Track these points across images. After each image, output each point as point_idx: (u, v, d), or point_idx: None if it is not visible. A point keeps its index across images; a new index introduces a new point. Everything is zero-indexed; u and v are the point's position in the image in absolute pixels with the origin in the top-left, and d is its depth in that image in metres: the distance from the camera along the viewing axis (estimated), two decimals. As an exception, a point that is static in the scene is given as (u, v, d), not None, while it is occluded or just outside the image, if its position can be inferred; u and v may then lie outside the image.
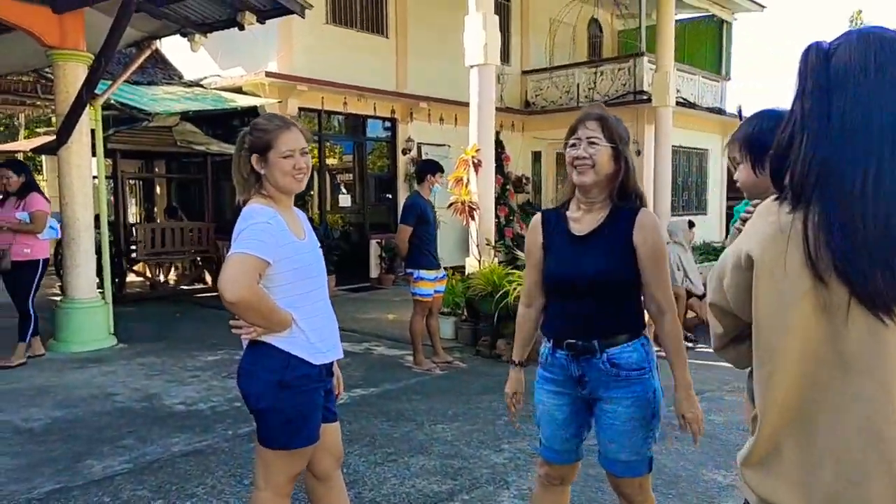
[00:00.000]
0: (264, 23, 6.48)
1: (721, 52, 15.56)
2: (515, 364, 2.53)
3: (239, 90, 9.81)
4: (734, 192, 15.50)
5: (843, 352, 1.16)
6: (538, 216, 2.43)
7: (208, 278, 11.11)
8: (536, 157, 14.40)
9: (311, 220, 2.70)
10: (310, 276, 2.35)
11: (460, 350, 6.97)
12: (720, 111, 14.76)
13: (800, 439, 1.20)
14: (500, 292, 6.64)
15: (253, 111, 9.90)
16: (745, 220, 1.42)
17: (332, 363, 2.45)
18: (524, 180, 13.92)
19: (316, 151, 10.93)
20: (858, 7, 15.34)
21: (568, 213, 2.33)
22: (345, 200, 11.50)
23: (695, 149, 15.02)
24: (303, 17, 6.41)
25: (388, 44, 11.78)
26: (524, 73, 14.19)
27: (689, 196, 15.32)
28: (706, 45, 15.39)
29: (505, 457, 4.09)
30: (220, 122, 10.96)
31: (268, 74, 9.52)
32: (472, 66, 7.68)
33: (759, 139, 1.54)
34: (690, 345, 7.48)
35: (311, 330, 2.31)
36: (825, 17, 66.12)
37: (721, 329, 1.40)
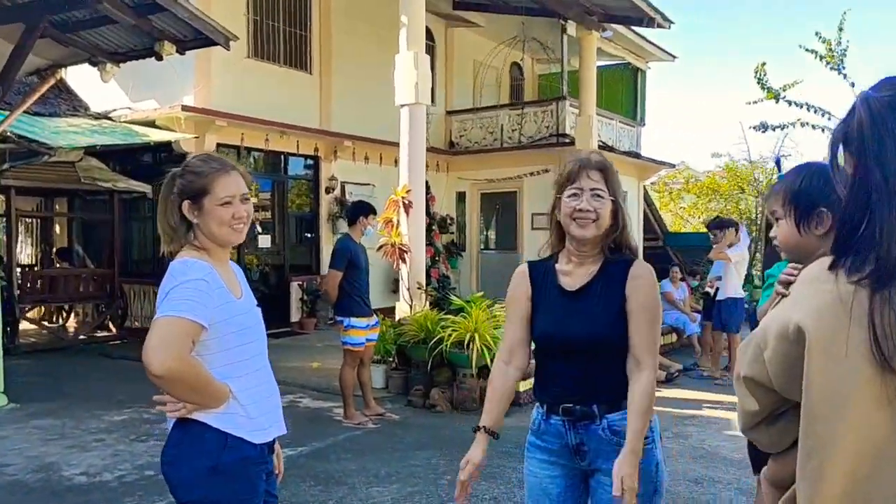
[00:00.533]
0: (184, 53, 6.10)
1: (636, 98, 16.11)
2: (483, 431, 2.14)
3: (152, 124, 9.26)
4: (651, 234, 15.94)
5: None
6: (524, 267, 2.22)
7: (112, 326, 10.34)
8: (461, 197, 14.36)
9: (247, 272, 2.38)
10: (249, 341, 2.03)
11: (391, 400, 6.63)
12: (636, 155, 15.22)
13: None
14: (434, 339, 6.39)
15: (167, 146, 9.39)
16: (786, 284, 1.26)
17: (274, 440, 2.12)
18: (449, 220, 13.83)
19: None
20: (761, 59, 16.27)
21: (557, 266, 2.15)
22: (264, 241, 11.00)
23: (614, 191, 15.36)
24: (227, 49, 6.08)
25: (311, 80, 11.50)
26: (448, 113, 14.21)
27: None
28: (622, 92, 15.92)
29: (451, 523, 3.80)
30: (130, 158, 10.34)
31: (184, 108, 9.04)
32: (402, 106, 7.52)
33: (809, 196, 1.41)
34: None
35: (252, 403, 1.99)
36: (732, 69, 70.94)
37: (756, 406, 1.23)
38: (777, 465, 1.31)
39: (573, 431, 2.06)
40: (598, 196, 2.02)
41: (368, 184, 11.95)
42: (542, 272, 2.16)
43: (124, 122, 9.71)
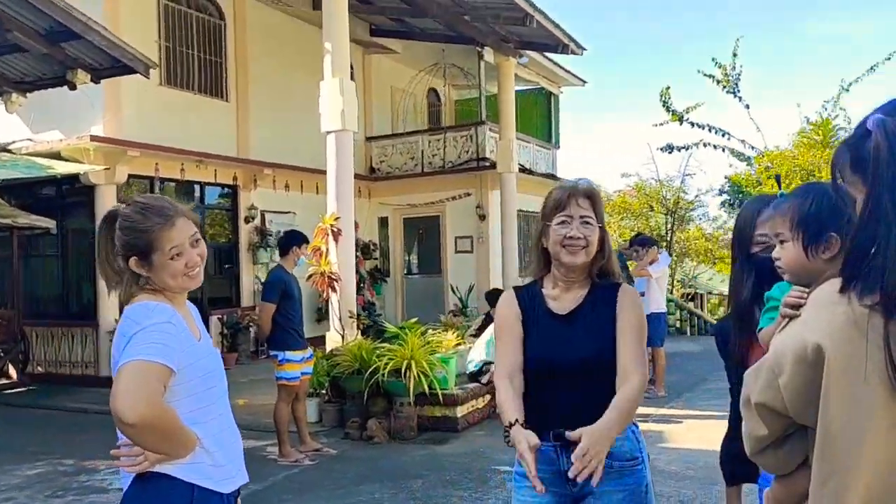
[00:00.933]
0: (99, 82, 5.80)
1: (550, 121, 16.59)
2: (518, 423, 1.94)
3: (57, 155, 8.74)
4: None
5: None
6: (510, 293, 2.20)
7: (13, 372, 9.60)
8: (383, 222, 14.29)
9: (203, 312, 2.23)
10: (213, 385, 1.92)
11: (327, 434, 6.45)
12: (553, 177, 15.61)
13: None
14: (370, 368, 6.27)
15: (73, 178, 8.89)
16: (793, 306, 1.24)
17: (238, 488, 2.00)
18: (372, 246, 13.72)
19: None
20: (665, 83, 17.11)
21: (544, 291, 2.14)
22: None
23: (533, 213, 15.70)
24: (147, 77, 5.84)
25: (228, 107, 11.21)
26: (368, 139, 14.16)
27: (530, 258, 15.90)
28: (537, 116, 16.35)
29: (404, 560, 3.69)
30: (29, 192, 9.76)
31: (93, 139, 8.58)
32: (328, 133, 7.43)
33: (819, 221, 1.39)
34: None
35: (219, 450, 1.87)
36: (641, 92, 74.22)
37: (766, 432, 1.22)
38: (783, 486, 1.31)
39: (566, 456, 1.98)
40: (587, 223, 2.04)
41: (289, 212, 11.72)
42: (529, 297, 2.14)
43: (25, 153, 9.13)
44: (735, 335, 1.88)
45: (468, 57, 13.53)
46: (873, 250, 1.06)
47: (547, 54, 14.19)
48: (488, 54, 12.79)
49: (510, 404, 2.02)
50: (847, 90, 14.74)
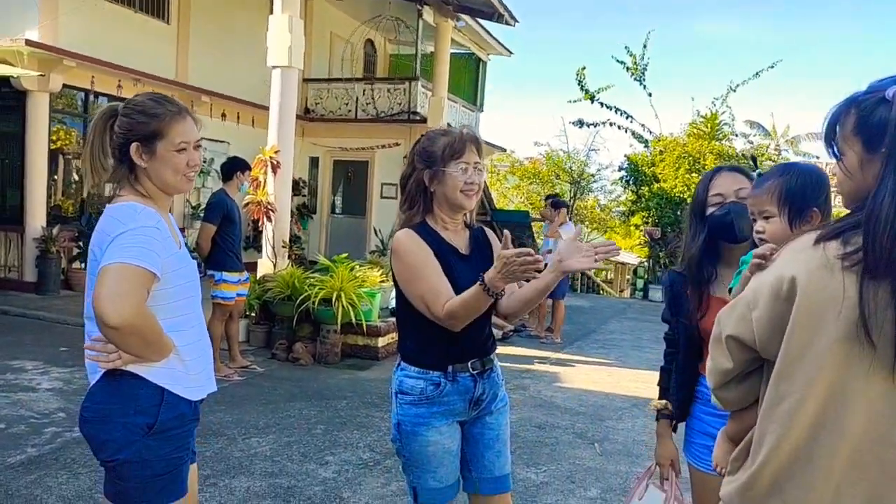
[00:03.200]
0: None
1: (477, 86, 16.46)
2: (482, 280, 1.81)
3: (-13, 56, 7.85)
4: (481, 210, 16.50)
5: (870, 400, 1.08)
6: (410, 232, 2.01)
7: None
8: (314, 162, 13.84)
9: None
10: (192, 294, 1.81)
11: (254, 353, 6.30)
12: (475, 137, 15.59)
13: (805, 478, 1.12)
14: (301, 296, 6.14)
15: (5, 81, 8.03)
16: (764, 256, 1.27)
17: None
18: (301, 184, 13.30)
19: (76, 134, 9.23)
20: (582, 64, 17.30)
21: (439, 233, 2.05)
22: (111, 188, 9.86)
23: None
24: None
25: (169, 30, 10.38)
26: (306, 80, 13.51)
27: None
28: (465, 79, 16.14)
29: (333, 470, 3.69)
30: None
31: (28, 43, 7.74)
32: (274, 67, 7.03)
33: (804, 197, 1.43)
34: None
35: (192, 359, 1.77)
36: (560, 67, 74.69)
37: (731, 365, 1.25)
38: (737, 422, 1.36)
39: (481, 383, 2.02)
40: (479, 170, 2.03)
41: (224, 141, 11.13)
42: (428, 235, 2.02)
43: (-49, 49, 8.14)
44: (690, 287, 1.93)
45: (408, 14, 13.12)
46: (869, 213, 1.08)
47: (481, 21, 13.97)
48: (428, 14, 12.44)
49: (464, 294, 1.85)
50: (734, 91, 15.45)
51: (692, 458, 1.95)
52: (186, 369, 1.75)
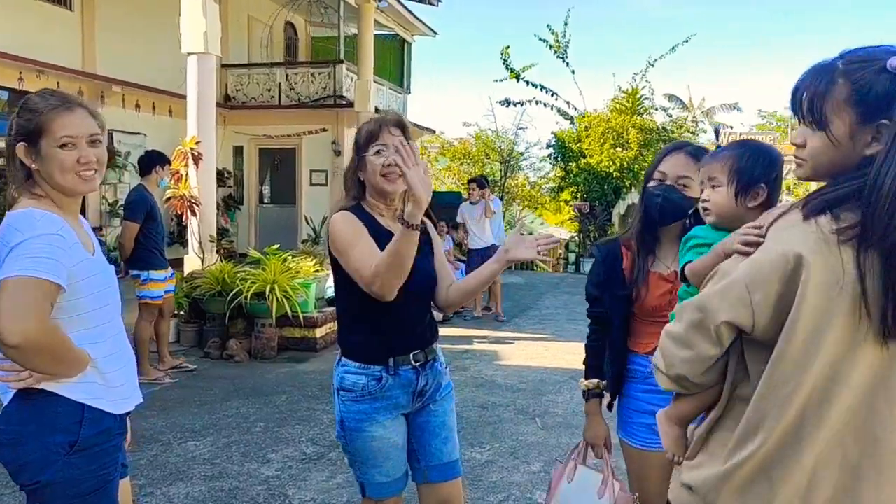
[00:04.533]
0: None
1: (403, 68, 16.28)
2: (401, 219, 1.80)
3: None
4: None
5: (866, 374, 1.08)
6: (342, 212, 1.96)
7: None
8: (238, 151, 13.37)
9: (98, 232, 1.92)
10: (106, 304, 1.69)
11: (185, 353, 6.09)
12: (403, 120, 15.45)
13: (791, 460, 1.11)
14: (233, 291, 5.95)
15: None
16: (749, 244, 1.19)
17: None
18: (226, 174, 12.84)
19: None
20: (507, 43, 17.35)
21: (374, 216, 2.00)
22: (18, 190, 9.24)
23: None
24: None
25: (72, 17, 9.73)
26: (224, 66, 12.96)
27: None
28: (390, 61, 15.94)
29: (275, 468, 3.61)
30: None
31: (-89, 33, 7.12)
32: (190, 54, 6.72)
33: (754, 173, 1.42)
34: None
35: (112, 371, 1.67)
36: (485, 47, 74.64)
37: (717, 351, 1.17)
38: (685, 404, 1.32)
39: (423, 375, 1.99)
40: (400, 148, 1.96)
41: (140, 133, 10.61)
42: (363, 217, 1.96)
43: None
44: (629, 260, 1.91)
45: (329, -5, 12.81)
46: (872, 184, 1.06)
47: (403, 2, 13.79)
48: (349, -5, 12.19)
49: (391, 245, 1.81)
50: (653, 65, 15.89)
51: (628, 436, 1.95)
52: (107, 382, 1.65)
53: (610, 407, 2.03)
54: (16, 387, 1.56)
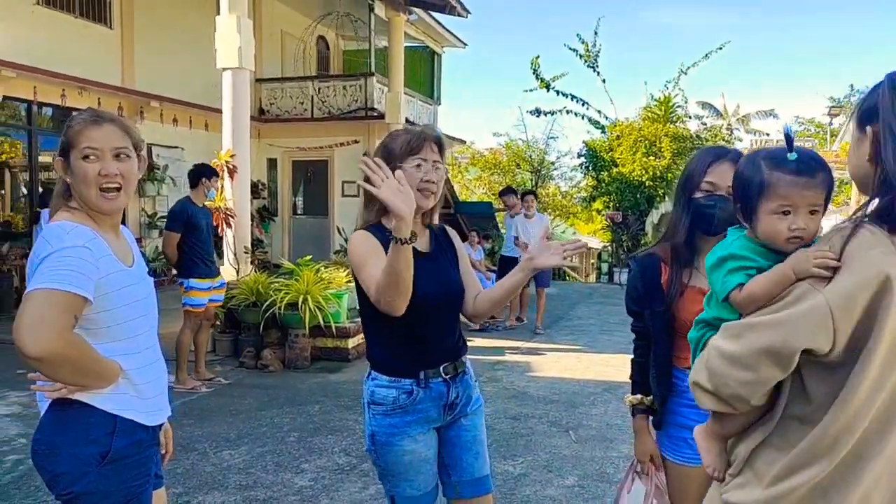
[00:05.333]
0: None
1: (433, 79, 16.39)
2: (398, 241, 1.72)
3: (-82, 69, 7.49)
4: (444, 204, 16.48)
5: None
6: (364, 232, 1.93)
7: None
8: (272, 163, 13.61)
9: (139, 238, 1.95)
10: (140, 315, 1.70)
11: (221, 363, 6.19)
12: (433, 131, 15.53)
13: (853, 486, 1.09)
14: (267, 302, 6.03)
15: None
16: (826, 267, 1.12)
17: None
18: (260, 186, 13.07)
19: (21, 146, 8.90)
20: (537, 53, 17.38)
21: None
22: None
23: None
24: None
25: (112, 35, 10.05)
26: (259, 80, 13.27)
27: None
28: (421, 72, 16.07)
29: (309, 478, 3.63)
30: None
31: (-38, 54, 7.42)
32: (224, 69, 6.87)
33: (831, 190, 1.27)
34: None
35: (144, 383, 1.68)
36: (515, 57, 74.99)
37: (783, 375, 1.13)
38: (731, 422, 1.27)
39: (454, 387, 1.97)
40: (437, 168, 1.94)
41: (178, 147, 10.88)
42: (384, 236, 1.86)
43: None
44: (669, 271, 1.85)
45: (359, 9, 12.97)
46: None
47: (433, 14, 13.90)
48: (379, 9, 12.32)
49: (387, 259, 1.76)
50: (685, 73, 15.72)
51: (668, 451, 1.91)
52: (139, 394, 1.66)
53: (658, 426, 1.95)
54: (50, 397, 1.59)
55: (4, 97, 8.16)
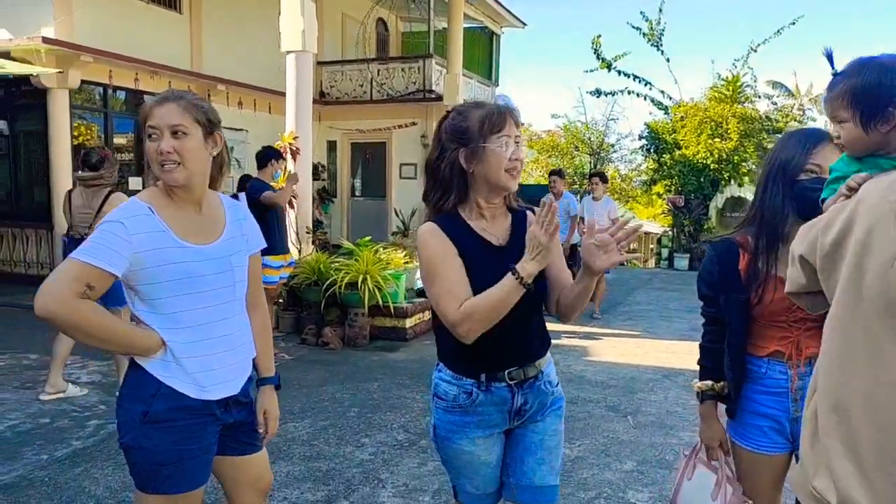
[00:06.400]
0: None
1: (492, 60, 16.26)
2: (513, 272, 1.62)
3: (7, 55, 7.92)
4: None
5: None
6: (433, 226, 1.75)
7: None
8: (332, 146, 13.85)
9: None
10: (198, 291, 1.72)
11: (284, 339, 6.39)
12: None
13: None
14: (328, 281, 6.18)
15: (25, 80, 8.12)
16: (856, 184, 1.20)
17: (244, 394, 1.85)
18: (320, 168, 13.32)
19: (96, 129, 9.33)
20: (598, 32, 16.99)
21: (470, 222, 1.77)
22: (135, 183, 9.96)
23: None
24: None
25: (182, 20, 10.39)
26: (319, 63, 13.46)
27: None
28: (479, 53, 15.96)
29: (369, 452, 3.74)
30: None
31: (45, 40, 7.79)
32: (288, 53, 7.01)
33: (876, 95, 1.25)
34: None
35: (190, 358, 1.71)
36: (577, 40, 73.71)
37: (804, 281, 1.32)
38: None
39: (520, 394, 1.78)
40: (520, 144, 1.76)
41: (242, 129, 11.17)
42: (455, 228, 1.75)
43: (-29, 51, 8.23)
44: (752, 257, 1.79)
45: (419, -10, 12.98)
46: None
47: (493, -6, 13.76)
48: (439, -11, 12.30)
49: (487, 293, 1.64)
50: (755, 51, 15.07)
51: (739, 437, 1.87)
52: (183, 368, 1.71)
53: (731, 414, 1.89)
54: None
55: (82, 81, 8.56)
